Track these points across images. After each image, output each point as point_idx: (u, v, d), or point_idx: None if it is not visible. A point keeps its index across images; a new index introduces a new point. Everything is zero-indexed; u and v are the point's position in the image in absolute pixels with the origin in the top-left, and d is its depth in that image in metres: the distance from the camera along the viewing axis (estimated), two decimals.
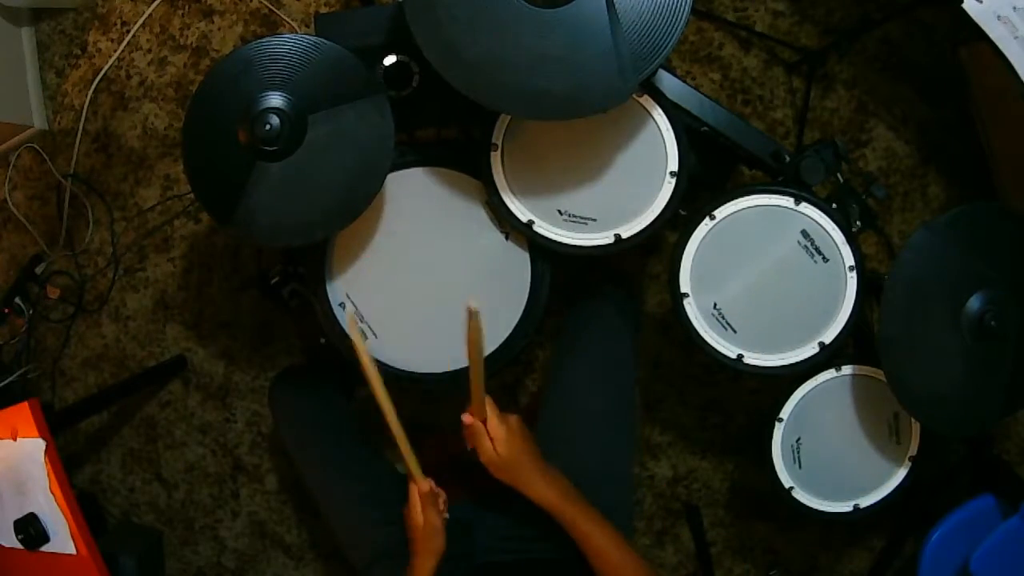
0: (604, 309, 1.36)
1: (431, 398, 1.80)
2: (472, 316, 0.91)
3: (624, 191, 1.12)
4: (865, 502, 1.25)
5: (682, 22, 0.92)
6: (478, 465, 1.07)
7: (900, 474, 1.24)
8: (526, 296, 1.21)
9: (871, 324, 1.21)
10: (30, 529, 1.29)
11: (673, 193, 1.11)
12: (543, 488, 1.03)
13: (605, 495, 1.14)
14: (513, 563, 1.18)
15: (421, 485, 1.06)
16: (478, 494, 1.32)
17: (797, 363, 1.15)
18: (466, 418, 1.02)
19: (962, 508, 1.37)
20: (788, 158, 1.15)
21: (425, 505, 1.05)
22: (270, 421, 1.88)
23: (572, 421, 1.23)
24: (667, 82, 1.12)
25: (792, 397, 1.21)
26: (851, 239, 1.10)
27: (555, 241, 1.15)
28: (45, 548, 1.31)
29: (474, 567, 1.18)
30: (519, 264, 1.21)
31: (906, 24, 1.57)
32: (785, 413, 1.21)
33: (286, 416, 1.43)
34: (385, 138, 1.04)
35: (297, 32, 1.68)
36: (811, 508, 1.25)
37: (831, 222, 1.10)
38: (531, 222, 1.14)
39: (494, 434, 1.01)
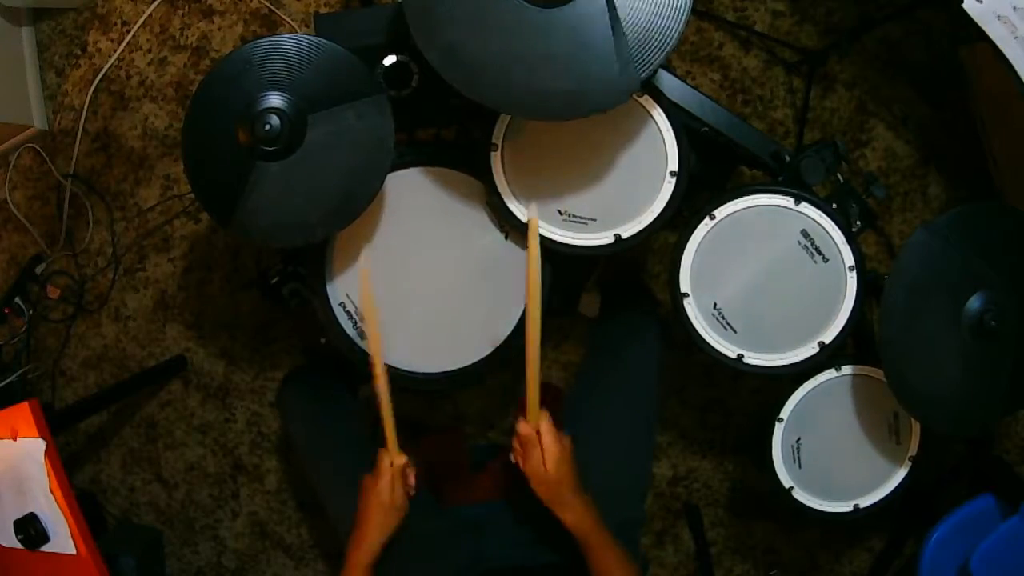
0: (640, 326, 1.37)
1: (431, 398, 1.81)
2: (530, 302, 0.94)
3: (624, 191, 1.12)
4: (865, 502, 1.25)
5: (682, 22, 0.92)
6: (486, 468, 1.06)
7: (900, 474, 1.24)
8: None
9: (871, 324, 1.21)
10: (30, 529, 1.29)
11: (673, 193, 1.11)
12: (580, 513, 1.01)
13: (623, 511, 1.15)
14: (517, 568, 1.17)
15: (396, 459, 1.04)
16: (488, 496, 1.32)
17: (797, 363, 1.15)
18: (523, 427, 1.00)
19: (962, 508, 1.37)
20: (788, 158, 1.15)
21: (395, 479, 1.04)
22: (270, 421, 1.89)
23: (599, 431, 1.24)
24: (667, 82, 1.11)
25: (792, 397, 1.21)
26: (851, 239, 1.10)
27: (555, 241, 1.15)
28: (45, 548, 1.31)
29: (481, 573, 1.17)
30: (519, 264, 1.21)
31: (906, 24, 1.57)
32: (785, 413, 1.21)
33: (295, 418, 1.43)
34: (385, 138, 1.04)
35: (297, 32, 1.68)
36: (811, 508, 1.25)
37: (831, 222, 1.10)
38: None
39: (547, 449, 0.99)
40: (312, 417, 1.41)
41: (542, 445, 0.99)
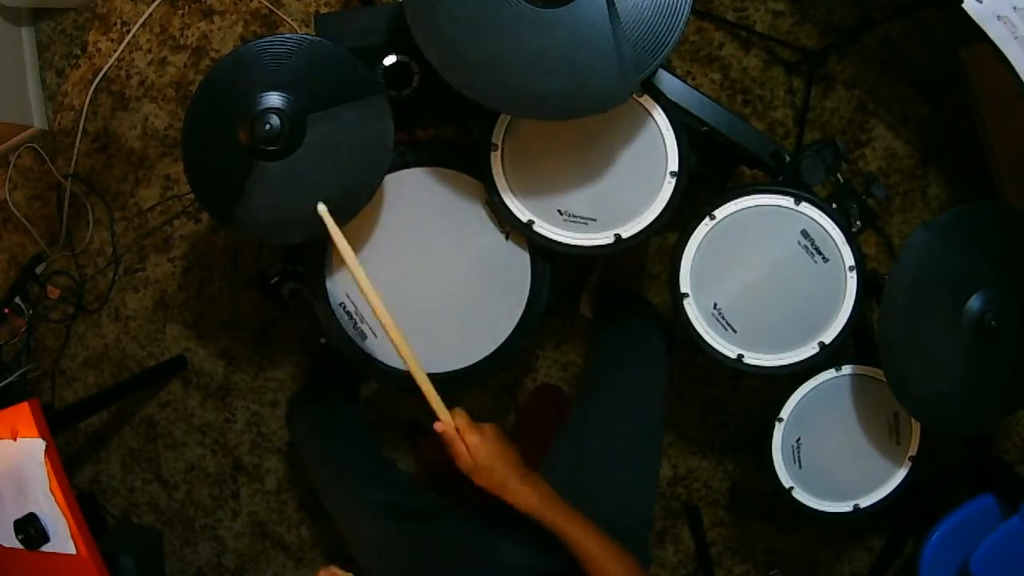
0: (643, 331, 1.37)
1: None
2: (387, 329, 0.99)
3: (624, 191, 1.12)
4: (865, 502, 1.25)
5: (682, 22, 0.92)
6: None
7: (900, 474, 1.24)
8: (526, 296, 1.21)
9: (871, 324, 1.21)
10: (30, 529, 1.29)
11: (673, 193, 1.11)
12: (525, 493, 1.02)
13: (632, 514, 1.15)
14: None
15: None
16: (493, 497, 1.32)
17: (797, 363, 1.15)
18: (437, 426, 1.03)
19: (962, 508, 1.37)
20: (788, 158, 1.15)
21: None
22: (270, 421, 1.89)
23: (607, 438, 1.24)
24: (667, 82, 1.12)
25: (792, 397, 1.21)
26: (851, 239, 1.10)
27: (555, 241, 1.15)
28: (45, 548, 1.31)
29: None
30: (519, 264, 1.21)
31: (906, 24, 1.57)
32: (785, 413, 1.21)
33: (307, 441, 1.45)
34: (384, 138, 1.05)
35: (297, 32, 1.68)
36: (811, 508, 1.25)
37: (831, 222, 1.10)
38: (531, 222, 1.14)
39: (468, 441, 1.01)
40: (321, 441, 1.42)
41: (463, 440, 1.01)
